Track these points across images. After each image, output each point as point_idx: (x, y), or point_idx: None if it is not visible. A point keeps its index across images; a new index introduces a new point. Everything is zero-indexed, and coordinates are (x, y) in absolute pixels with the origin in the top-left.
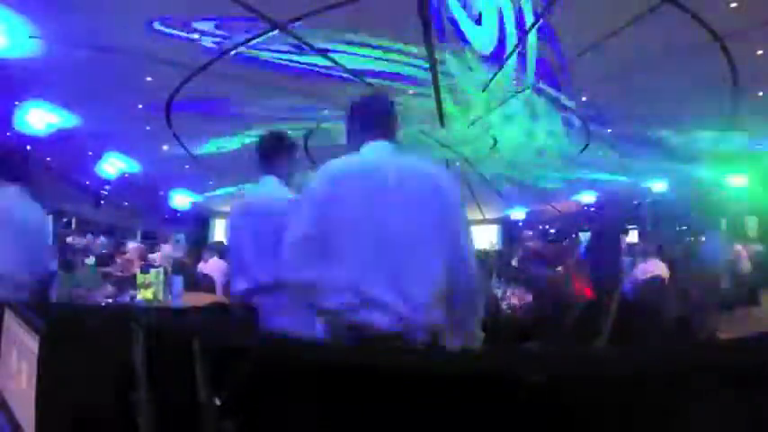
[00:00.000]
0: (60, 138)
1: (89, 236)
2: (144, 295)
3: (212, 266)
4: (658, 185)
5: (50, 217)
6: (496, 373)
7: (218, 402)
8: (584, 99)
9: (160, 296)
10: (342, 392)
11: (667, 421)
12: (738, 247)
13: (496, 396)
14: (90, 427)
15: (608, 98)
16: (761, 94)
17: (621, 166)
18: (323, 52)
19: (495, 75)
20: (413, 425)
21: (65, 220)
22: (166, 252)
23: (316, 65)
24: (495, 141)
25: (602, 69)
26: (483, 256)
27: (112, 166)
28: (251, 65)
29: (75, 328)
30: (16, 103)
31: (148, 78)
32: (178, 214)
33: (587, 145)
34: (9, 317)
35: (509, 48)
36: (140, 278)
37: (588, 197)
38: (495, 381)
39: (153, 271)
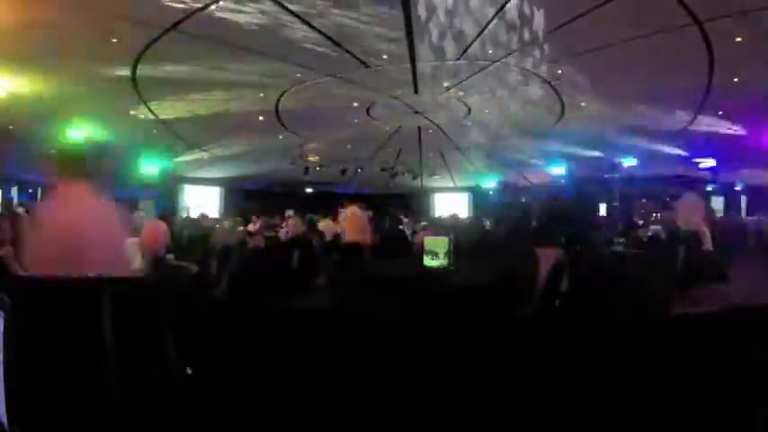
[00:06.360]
0: (22, 104)
1: None
2: None
3: None
4: (628, 161)
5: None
6: None
7: (188, 371)
8: (559, 72)
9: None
10: None
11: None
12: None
13: None
14: (60, 395)
15: (583, 72)
16: (736, 80)
17: (593, 139)
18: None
19: (472, 42)
20: None
21: (30, 190)
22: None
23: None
24: (470, 110)
25: (579, 43)
26: None
27: (78, 132)
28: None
29: (40, 301)
30: None
31: (114, 40)
32: (147, 180)
33: (561, 117)
34: None
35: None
36: None
37: (558, 169)
38: None
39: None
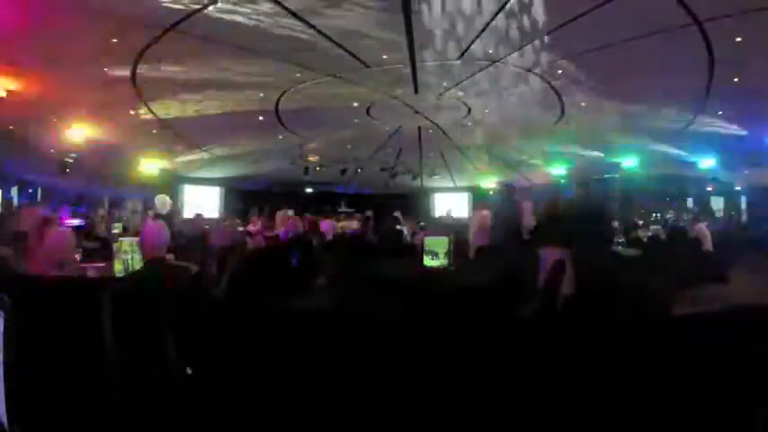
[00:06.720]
0: (22, 104)
1: None
2: (116, 267)
3: None
4: (628, 161)
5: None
6: None
7: (189, 371)
8: (559, 72)
9: (136, 266)
10: None
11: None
12: (702, 225)
13: None
14: (60, 395)
15: (583, 71)
16: (736, 80)
17: (594, 139)
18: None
19: (472, 42)
20: None
21: (30, 190)
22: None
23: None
24: (470, 110)
25: (579, 43)
26: None
27: (78, 132)
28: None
29: (40, 301)
30: None
31: (114, 40)
32: (146, 180)
33: (561, 117)
34: None
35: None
36: (116, 249)
37: (559, 169)
38: None
39: (126, 241)
